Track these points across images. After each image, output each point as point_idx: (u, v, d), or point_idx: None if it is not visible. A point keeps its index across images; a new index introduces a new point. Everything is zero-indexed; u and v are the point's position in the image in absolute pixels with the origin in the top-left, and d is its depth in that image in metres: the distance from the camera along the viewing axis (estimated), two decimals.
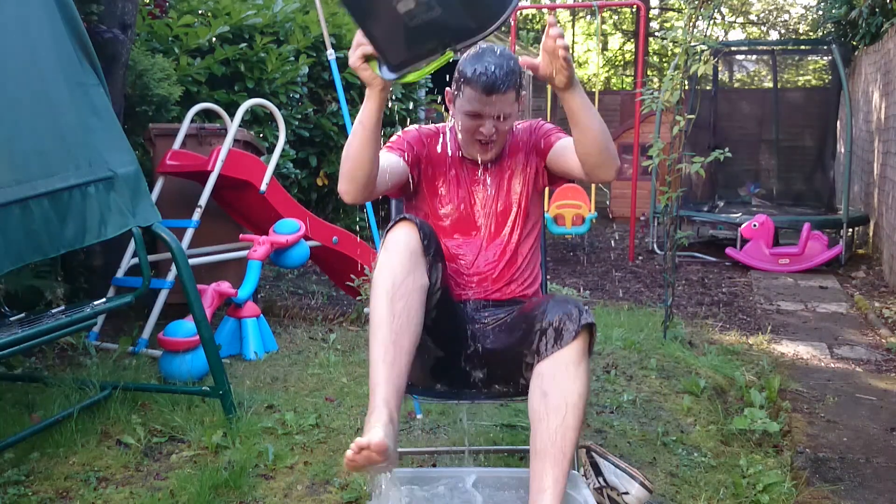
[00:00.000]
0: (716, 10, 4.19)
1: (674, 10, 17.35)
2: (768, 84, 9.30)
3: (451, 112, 2.25)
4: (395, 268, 1.92)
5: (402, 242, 1.95)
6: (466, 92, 2.12)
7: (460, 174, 2.30)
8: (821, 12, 10.26)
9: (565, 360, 1.93)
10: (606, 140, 1.99)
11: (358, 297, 4.47)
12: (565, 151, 2.21)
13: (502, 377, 2.19)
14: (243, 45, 5.56)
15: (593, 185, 7.38)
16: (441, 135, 2.33)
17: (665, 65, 17.14)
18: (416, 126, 2.37)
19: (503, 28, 14.63)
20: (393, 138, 2.31)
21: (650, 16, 16.68)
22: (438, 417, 3.03)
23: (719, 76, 8.56)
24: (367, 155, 1.95)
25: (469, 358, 2.21)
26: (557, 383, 1.92)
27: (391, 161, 2.19)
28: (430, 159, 2.30)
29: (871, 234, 7.51)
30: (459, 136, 2.24)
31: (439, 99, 8.90)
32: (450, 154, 2.31)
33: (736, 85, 9.41)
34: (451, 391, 2.27)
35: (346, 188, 2.01)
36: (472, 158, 2.28)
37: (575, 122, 1.98)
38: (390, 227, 2.02)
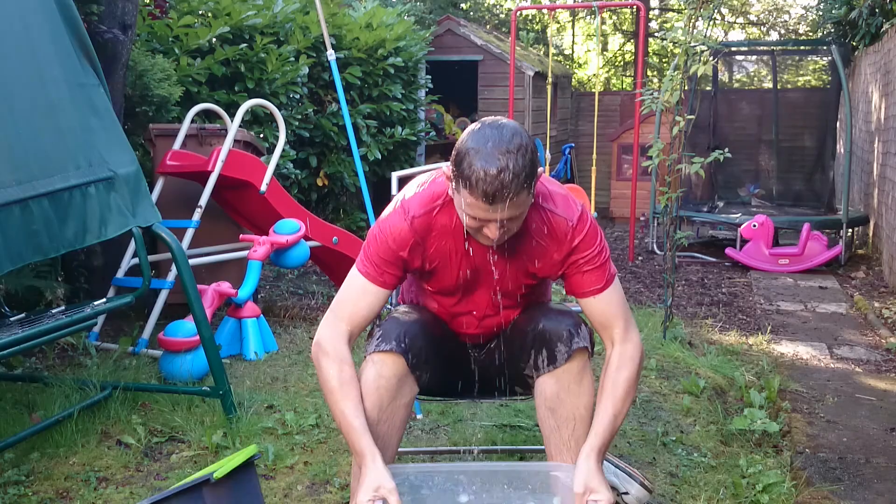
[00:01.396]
0: (716, 11, 4.19)
1: (674, 10, 17.35)
2: (768, 84, 9.31)
3: (450, 191, 1.83)
4: (381, 392, 1.90)
5: (389, 368, 1.90)
6: (464, 193, 1.70)
7: (465, 252, 1.93)
8: (820, 13, 10.26)
9: (566, 380, 1.95)
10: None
11: None
12: (591, 311, 1.95)
13: (504, 384, 2.20)
14: (243, 45, 5.56)
15: (593, 186, 7.38)
16: (445, 208, 1.89)
17: (665, 65, 17.14)
18: (407, 221, 1.89)
19: (503, 28, 14.62)
20: (379, 251, 1.89)
21: (650, 16, 16.69)
22: (438, 417, 3.03)
23: (719, 77, 8.56)
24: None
25: (470, 378, 2.22)
26: (561, 400, 1.96)
27: (376, 296, 1.91)
28: (426, 255, 1.93)
29: (870, 234, 7.52)
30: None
31: (438, 98, 8.91)
32: (457, 231, 1.90)
33: (736, 85, 9.42)
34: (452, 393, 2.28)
35: None
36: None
37: None
38: (376, 348, 1.90)
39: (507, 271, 1.97)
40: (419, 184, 1.96)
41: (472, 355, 2.21)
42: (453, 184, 1.76)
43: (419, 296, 2.18)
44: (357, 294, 1.92)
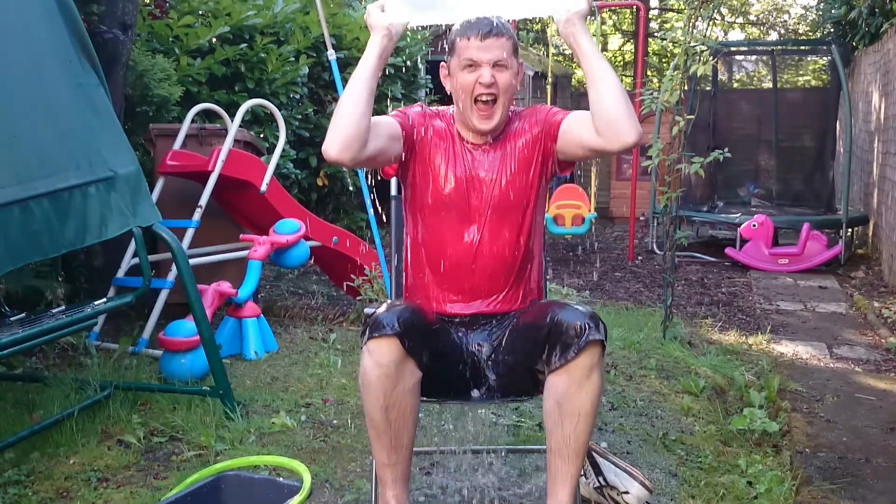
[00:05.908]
0: (715, 11, 4.20)
1: (673, 10, 17.35)
2: (768, 84, 9.30)
3: (447, 87, 2.18)
4: (383, 380, 1.90)
5: (386, 354, 1.90)
6: (460, 46, 2.09)
7: (459, 154, 2.17)
8: (820, 13, 10.27)
9: (576, 374, 1.94)
10: (623, 93, 1.99)
11: (358, 297, 4.47)
12: (578, 122, 2.10)
13: (508, 384, 2.17)
14: (244, 45, 5.56)
15: (593, 186, 7.38)
16: (441, 116, 2.24)
17: (665, 65, 17.14)
18: (419, 104, 2.28)
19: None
20: (393, 112, 2.21)
21: (650, 16, 16.69)
22: (439, 418, 3.03)
23: (719, 76, 8.55)
24: (363, 98, 2.00)
25: (472, 377, 2.19)
26: (569, 396, 1.96)
27: (387, 120, 2.13)
28: (428, 134, 2.19)
29: (870, 234, 7.52)
30: (459, 105, 2.14)
31: (439, 99, 8.90)
32: (452, 135, 2.19)
33: (735, 85, 9.41)
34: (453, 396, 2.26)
35: (335, 136, 1.98)
36: (473, 137, 2.18)
37: (588, 69, 2.02)
38: (370, 336, 1.91)
39: (496, 160, 2.17)
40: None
41: (469, 349, 2.19)
42: (449, 57, 2.13)
43: (419, 225, 2.21)
44: None
